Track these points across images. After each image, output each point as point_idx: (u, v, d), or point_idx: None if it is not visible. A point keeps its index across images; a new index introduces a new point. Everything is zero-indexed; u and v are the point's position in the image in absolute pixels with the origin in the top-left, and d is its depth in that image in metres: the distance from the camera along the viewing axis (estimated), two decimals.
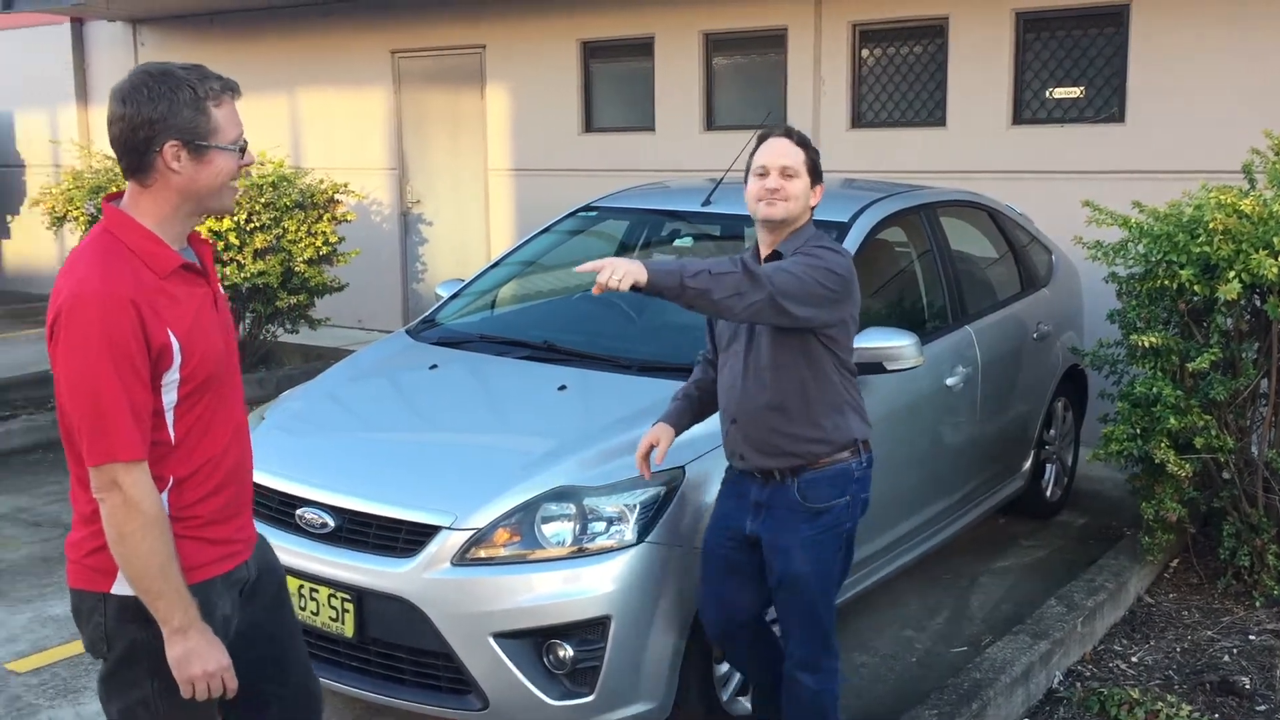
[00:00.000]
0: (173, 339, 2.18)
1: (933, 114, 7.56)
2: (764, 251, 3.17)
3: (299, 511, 3.60)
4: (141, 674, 2.26)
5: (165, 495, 2.24)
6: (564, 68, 9.05)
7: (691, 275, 2.79)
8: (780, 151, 3.12)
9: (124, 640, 2.26)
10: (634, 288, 2.72)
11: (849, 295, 3.10)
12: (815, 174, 3.17)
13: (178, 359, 2.19)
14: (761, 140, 3.19)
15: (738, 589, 3.25)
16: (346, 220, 8.61)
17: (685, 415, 3.36)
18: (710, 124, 8.45)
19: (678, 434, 3.31)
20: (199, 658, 2.21)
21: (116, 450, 2.12)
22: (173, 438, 2.24)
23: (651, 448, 3.25)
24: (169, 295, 2.21)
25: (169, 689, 2.24)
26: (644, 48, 8.68)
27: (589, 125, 9.10)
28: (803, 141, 3.17)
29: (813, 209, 3.18)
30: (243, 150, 2.28)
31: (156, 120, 2.18)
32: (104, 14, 11.55)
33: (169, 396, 2.21)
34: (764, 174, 3.11)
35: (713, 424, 3.38)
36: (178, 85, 2.20)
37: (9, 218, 13.30)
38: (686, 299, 2.81)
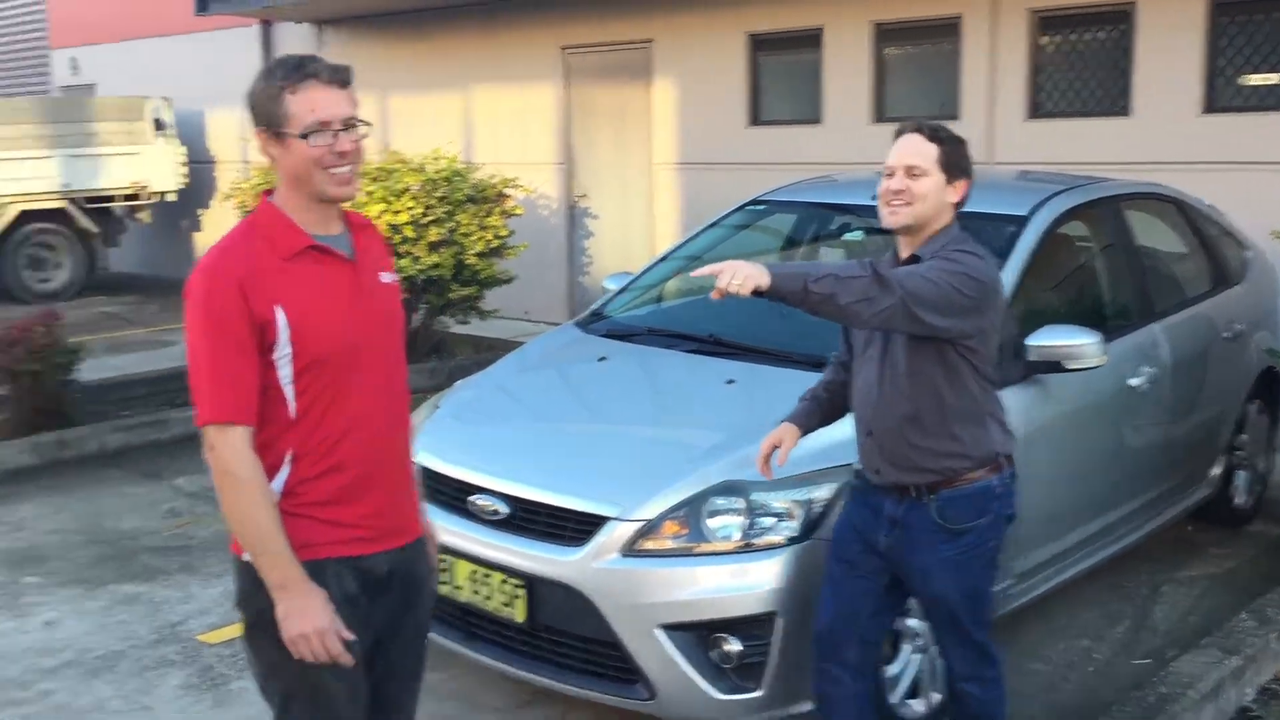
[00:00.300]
0: (280, 316, 2.24)
1: (1116, 103, 7.25)
2: (903, 254, 2.99)
3: (471, 498, 3.69)
4: (268, 640, 2.31)
5: (286, 468, 2.31)
6: (731, 61, 9.03)
7: (816, 279, 2.64)
8: (907, 149, 2.90)
9: (255, 605, 2.33)
10: (755, 292, 2.60)
11: (989, 303, 2.87)
12: (954, 169, 2.90)
13: (284, 334, 2.25)
14: (897, 137, 2.99)
15: (860, 595, 3.09)
16: (515, 214, 8.78)
17: (813, 416, 3.23)
18: (880, 116, 8.30)
19: (803, 435, 3.20)
20: (299, 616, 2.24)
21: (207, 413, 2.24)
22: (292, 412, 2.29)
23: (775, 449, 3.14)
24: (290, 275, 2.28)
25: (293, 656, 2.29)
26: (812, 39, 8.58)
27: (755, 118, 9.06)
28: (936, 135, 2.91)
29: (956, 207, 2.95)
30: (305, 136, 2.23)
31: (249, 109, 2.31)
32: (291, 16, 12.07)
33: (283, 371, 2.27)
34: (890, 174, 2.92)
35: None
36: (263, 75, 2.29)
37: (200, 212, 14.04)
38: (810, 304, 2.66)
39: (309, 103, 2.24)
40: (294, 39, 12.55)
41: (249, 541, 2.27)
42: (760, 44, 8.96)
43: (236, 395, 2.23)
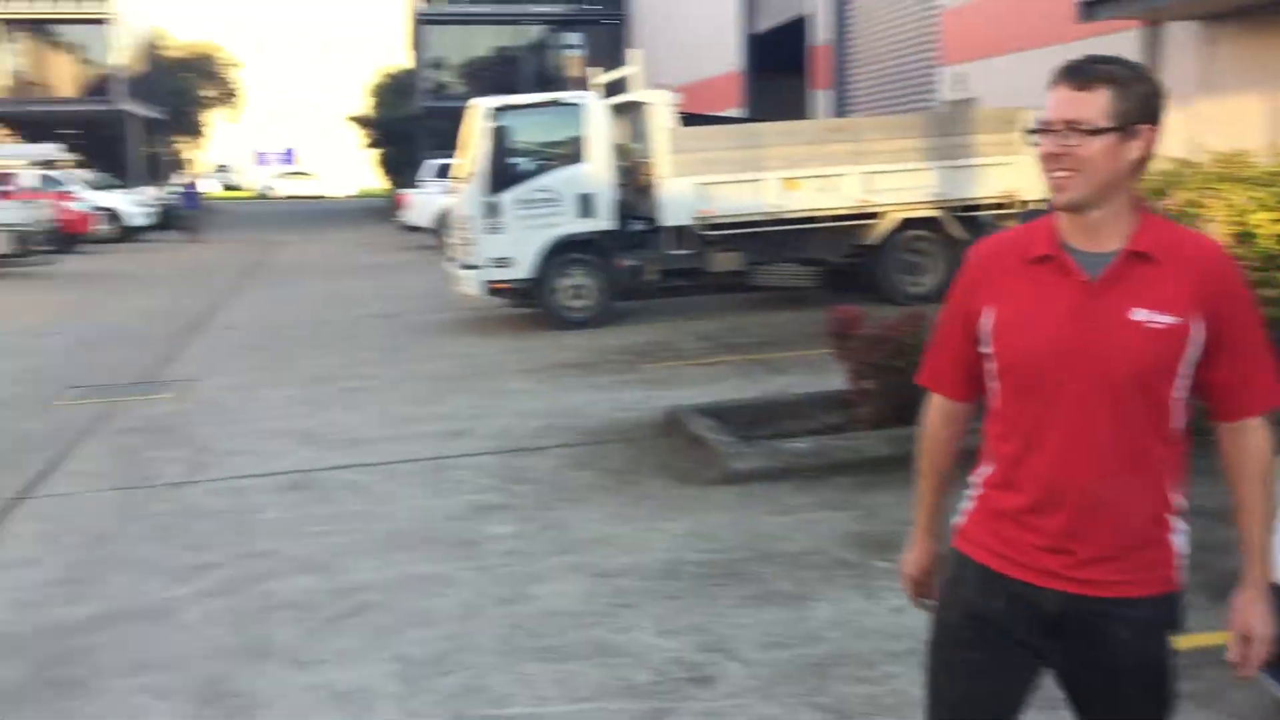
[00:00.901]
0: (986, 315, 2.28)
1: None
2: None
3: None
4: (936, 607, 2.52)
5: (986, 463, 2.38)
6: None
7: None
8: None
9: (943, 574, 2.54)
10: None
11: None
12: None
13: (985, 334, 2.29)
14: None
15: None
16: None
17: None
18: None
19: None
20: (905, 555, 2.59)
21: (920, 373, 2.51)
22: (992, 403, 2.36)
23: None
24: (1018, 278, 2.25)
25: (934, 618, 2.47)
26: None
27: None
28: None
29: None
30: (1031, 133, 2.22)
31: None
32: (1179, 14, 11.48)
33: (989, 365, 2.32)
34: None
35: None
36: None
37: None
38: None
39: (1047, 104, 2.21)
40: (1180, 38, 11.91)
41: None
42: None
43: (937, 366, 2.47)
